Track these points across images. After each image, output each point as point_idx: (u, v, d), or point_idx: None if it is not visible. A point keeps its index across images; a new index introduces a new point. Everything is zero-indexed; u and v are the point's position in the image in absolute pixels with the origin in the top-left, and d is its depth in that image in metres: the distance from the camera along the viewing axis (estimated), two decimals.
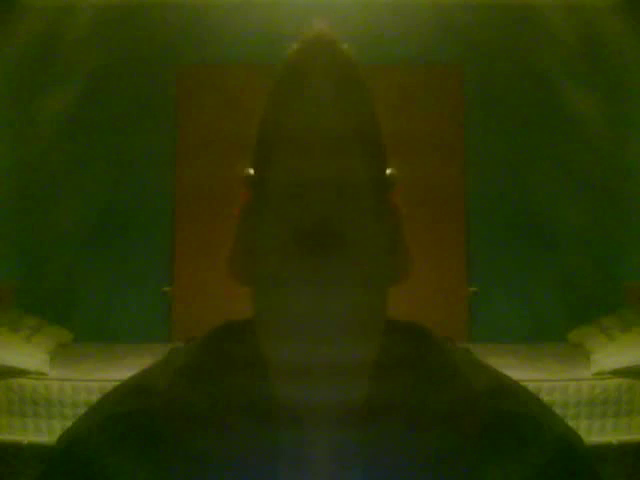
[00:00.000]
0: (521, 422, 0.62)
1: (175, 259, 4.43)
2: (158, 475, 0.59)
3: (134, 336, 4.20)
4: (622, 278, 4.33)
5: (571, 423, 0.66)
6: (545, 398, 3.30)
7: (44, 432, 3.40)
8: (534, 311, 4.38)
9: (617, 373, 3.50)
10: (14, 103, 4.41)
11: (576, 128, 4.33)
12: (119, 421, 0.62)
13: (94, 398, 3.16)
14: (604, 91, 4.35)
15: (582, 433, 0.67)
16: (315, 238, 0.56)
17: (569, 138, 4.40)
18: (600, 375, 3.51)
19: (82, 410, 0.67)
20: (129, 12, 4.37)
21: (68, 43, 4.26)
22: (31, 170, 4.40)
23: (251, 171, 0.64)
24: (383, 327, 0.63)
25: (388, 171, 0.65)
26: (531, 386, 3.21)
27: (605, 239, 4.41)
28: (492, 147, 4.44)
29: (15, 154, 4.38)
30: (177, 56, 4.44)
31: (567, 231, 4.34)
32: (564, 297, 4.36)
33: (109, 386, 0.69)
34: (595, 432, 3.40)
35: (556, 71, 4.29)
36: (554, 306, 4.35)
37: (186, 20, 4.33)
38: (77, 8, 4.27)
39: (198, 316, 3.58)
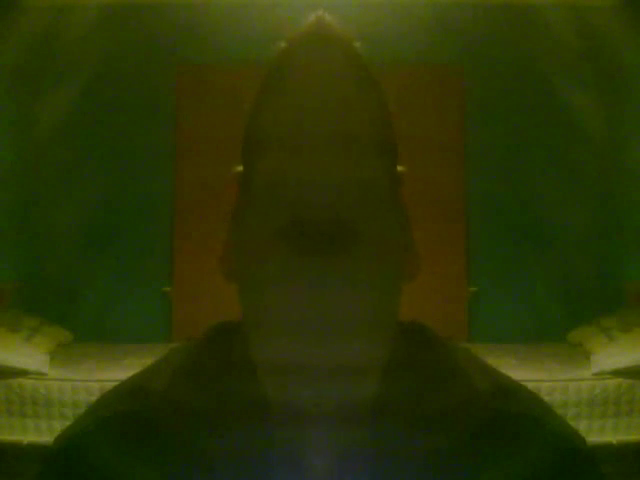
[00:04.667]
0: (523, 422, 0.61)
1: (175, 259, 4.43)
2: (156, 475, 0.59)
3: (134, 336, 4.20)
4: (622, 278, 4.33)
5: (571, 423, 0.65)
6: (545, 398, 3.29)
7: (44, 432, 3.39)
8: (534, 311, 4.38)
9: (617, 373, 3.50)
10: (14, 103, 4.41)
11: (576, 128, 4.33)
12: (117, 421, 0.61)
13: (94, 398, 3.14)
14: (604, 91, 4.35)
15: (582, 433, 0.66)
16: (313, 235, 0.54)
17: (569, 138, 4.40)
18: (600, 375, 3.51)
19: (82, 410, 0.67)
20: (129, 12, 4.37)
21: (68, 43, 4.25)
22: (31, 170, 4.40)
23: (240, 168, 0.63)
24: (395, 327, 0.61)
25: (398, 168, 0.64)
26: (531, 386, 3.18)
27: (605, 239, 4.41)
28: (492, 147, 4.44)
29: (15, 154, 4.38)
30: (177, 56, 4.44)
31: (567, 231, 4.33)
32: (564, 297, 4.35)
33: (109, 386, 0.69)
34: (595, 432, 3.40)
35: (556, 71, 4.29)
36: (554, 306, 4.35)
37: (186, 20, 4.33)
38: (77, 8, 4.27)
39: (198, 316, 3.58)
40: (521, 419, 0.62)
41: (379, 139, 0.60)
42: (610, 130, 4.37)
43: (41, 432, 3.41)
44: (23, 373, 3.50)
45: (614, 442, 3.38)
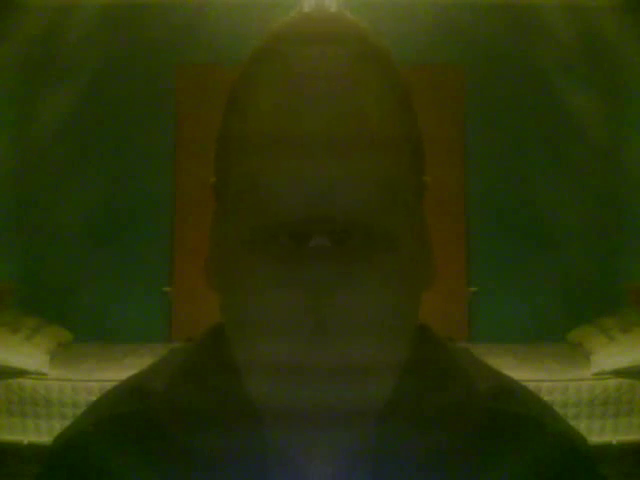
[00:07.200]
0: (523, 422, 0.61)
1: (175, 259, 4.43)
2: (155, 476, 0.58)
3: (134, 336, 4.20)
4: (622, 278, 4.33)
5: (571, 423, 0.65)
6: (545, 398, 3.29)
7: (44, 432, 3.40)
8: (534, 311, 4.38)
9: (617, 373, 3.50)
10: (14, 103, 4.42)
11: (576, 128, 4.33)
12: (116, 421, 0.61)
13: (94, 398, 3.14)
14: (604, 91, 4.35)
15: (582, 433, 0.66)
16: (307, 236, 0.52)
17: (569, 138, 4.40)
18: (600, 375, 3.51)
19: (82, 410, 0.67)
20: (129, 12, 4.37)
21: (68, 43, 4.26)
22: (31, 170, 4.41)
23: (214, 178, 0.62)
24: (410, 334, 0.59)
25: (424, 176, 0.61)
26: (531, 386, 3.18)
27: (605, 239, 4.41)
28: (492, 147, 4.44)
29: (15, 154, 4.38)
30: (177, 56, 4.44)
31: (567, 231, 4.33)
32: (564, 297, 4.35)
33: (109, 386, 0.69)
34: (595, 432, 3.40)
35: (556, 71, 4.29)
36: (554, 306, 4.35)
37: (186, 20, 4.33)
38: (77, 8, 4.27)
39: (198, 316, 3.56)
40: (521, 419, 0.61)
41: (380, 137, 0.56)
42: (610, 130, 4.37)
43: (41, 432, 3.41)
44: (23, 373, 3.50)
45: (614, 442, 3.38)
